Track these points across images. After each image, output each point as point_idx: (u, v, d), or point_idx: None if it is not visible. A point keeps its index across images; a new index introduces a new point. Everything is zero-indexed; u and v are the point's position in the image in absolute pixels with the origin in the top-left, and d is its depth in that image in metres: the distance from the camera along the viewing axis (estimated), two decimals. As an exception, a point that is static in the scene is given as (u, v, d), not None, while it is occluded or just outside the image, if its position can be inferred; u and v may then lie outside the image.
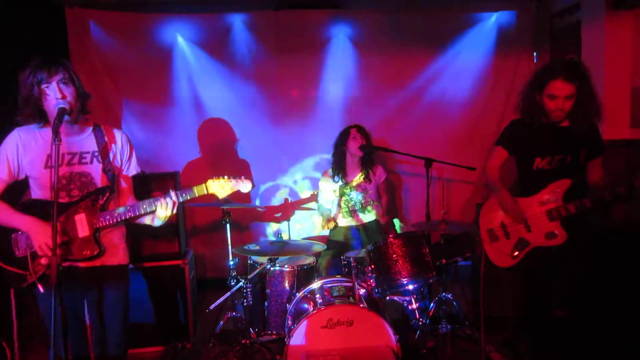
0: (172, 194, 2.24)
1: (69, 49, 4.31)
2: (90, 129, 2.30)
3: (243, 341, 3.16)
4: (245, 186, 2.35)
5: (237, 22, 4.51)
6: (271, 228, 4.78)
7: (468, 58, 4.67)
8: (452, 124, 4.78)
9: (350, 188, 3.89)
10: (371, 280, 3.03)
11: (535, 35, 4.68)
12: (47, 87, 2.10)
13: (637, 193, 2.47)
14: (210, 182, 2.30)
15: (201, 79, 4.57)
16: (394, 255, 2.98)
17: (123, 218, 2.24)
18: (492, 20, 4.66)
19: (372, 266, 3.04)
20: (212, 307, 3.11)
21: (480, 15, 4.65)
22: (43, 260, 2.15)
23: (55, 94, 2.09)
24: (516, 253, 2.77)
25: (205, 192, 2.30)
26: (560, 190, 2.67)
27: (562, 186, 2.67)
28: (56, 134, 1.95)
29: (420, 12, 4.63)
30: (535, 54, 4.72)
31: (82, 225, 2.19)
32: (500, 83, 4.72)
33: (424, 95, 4.74)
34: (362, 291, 2.98)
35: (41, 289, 2.14)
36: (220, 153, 4.61)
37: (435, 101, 4.75)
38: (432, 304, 3.41)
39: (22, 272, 2.18)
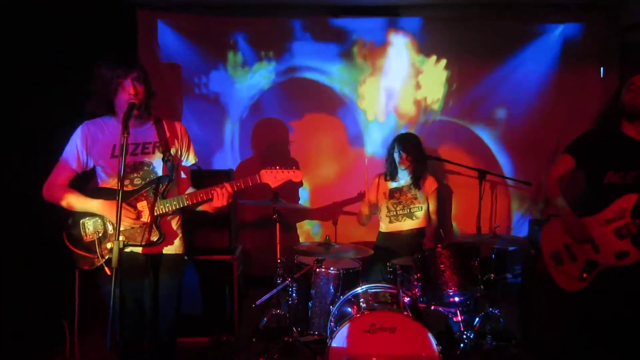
0: (227, 184, 2.34)
1: (137, 47, 4.55)
2: (152, 121, 2.44)
3: (285, 339, 3.21)
4: (296, 176, 2.43)
5: (297, 26, 4.61)
6: (320, 229, 4.82)
7: (531, 70, 4.56)
8: (510, 136, 4.67)
9: (400, 192, 3.88)
10: (416, 289, 3.01)
11: (603, 50, 4.50)
12: (123, 82, 2.24)
13: None
14: (263, 172, 2.40)
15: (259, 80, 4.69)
16: (442, 266, 2.95)
17: (181, 206, 2.35)
18: (558, 32, 4.52)
19: (419, 275, 3.01)
20: (258, 302, 3.16)
21: (546, 26, 4.54)
22: (109, 245, 2.30)
23: (129, 91, 2.24)
24: (585, 275, 2.62)
25: (259, 181, 2.38)
26: (627, 206, 2.54)
27: (629, 202, 2.54)
28: (125, 127, 2.08)
29: (483, 21, 4.56)
30: (602, 69, 4.54)
31: (143, 212, 2.32)
32: (563, 97, 4.57)
33: (483, 105, 4.66)
34: (406, 299, 2.97)
35: (107, 272, 2.26)
36: (273, 152, 4.72)
37: (493, 112, 4.65)
38: (477, 319, 3.33)
39: (90, 255, 2.33)
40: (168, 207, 2.33)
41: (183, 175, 2.53)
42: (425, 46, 4.62)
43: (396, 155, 3.83)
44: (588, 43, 4.51)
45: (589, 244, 2.63)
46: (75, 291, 2.85)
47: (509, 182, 4.17)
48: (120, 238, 2.04)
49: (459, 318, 3.02)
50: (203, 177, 3.65)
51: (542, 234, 2.86)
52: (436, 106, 4.69)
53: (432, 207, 3.93)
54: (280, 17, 4.64)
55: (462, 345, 3.07)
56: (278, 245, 3.49)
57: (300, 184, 4.29)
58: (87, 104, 2.32)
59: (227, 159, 4.75)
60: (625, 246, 2.54)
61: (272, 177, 2.40)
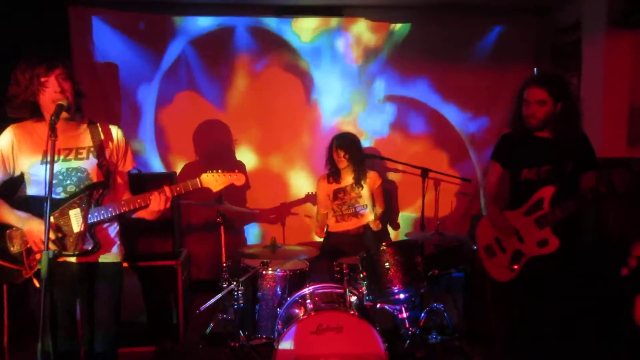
0: (166, 189, 2.25)
1: (71, 45, 4.33)
2: (86, 124, 2.32)
3: (232, 344, 3.17)
4: (238, 180, 2.36)
5: (240, 26, 4.54)
6: (265, 231, 4.78)
7: (469, 71, 4.69)
8: (451, 135, 4.80)
9: (344, 192, 3.92)
10: (363, 288, 3.04)
11: (537, 52, 4.70)
12: (45, 81, 2.11)
13: (618, 190, 2.49)
14: (204, 176, 2.31)
15: (201, 80, 4.59)
16: (387, 264, 2.99)
17: (117, 212, 2.24)
18: (494, 34, 4.68)
19: (364, 273, 3.04)
20: (202, 308, 3.10)
21: (482, 28, 4.68)
22: (38, 256, 2.16)
23: (54, 88, 2.11)
24: (515, 266, 2.78)
25: (199, 186, 2.30)
26: (545, 197, 2.70)
27: (547, 193, 2.70)
28: (53, 129, 1.97)
29: (424, 24, 4.66)
30: (535, 69, 4.75)
31: (77, 220, 2.20)
32: (500, 97, 4.72)
33: (424, 106, 4.76)
34: (353, 298, 2.99)
35: (36, 284, 2.16)
36: (217, 154, 4.63)
37: (434, 112, 4.77)
38: (422, 314, 3.41)
39: (17, 267, 2.19)
40: (103, 214, 2.22)
41: (119, 180, 2.41)
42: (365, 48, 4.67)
43: (334, 155, 3.86)
44: (523, 45, 4.69)
45: (514, 236, 2.79)
46: (4, 306, 2.67)
47: (451, 179, 4.29)
48: (52, 247, 1.93)
49: (404, 315, 3.08)
50: (144, 180, 3.56)
51: (477, 230, 3.04)
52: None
53: (378, 202, 3.99)
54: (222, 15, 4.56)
55: (408, 341, 3.13)
56: (223, 248, 3.43)
57: (246, 186, 4.22)
58: (8, 109, 2.18)
59: (170, 161, 4.61)
60: (546, 234, 2.70)
61: (214, 181, 2.32)
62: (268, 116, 4.68)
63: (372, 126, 4.77)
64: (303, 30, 4.62)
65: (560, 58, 4.61)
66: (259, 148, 4.73)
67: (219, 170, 2.34)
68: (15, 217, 2.16)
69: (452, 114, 4.79)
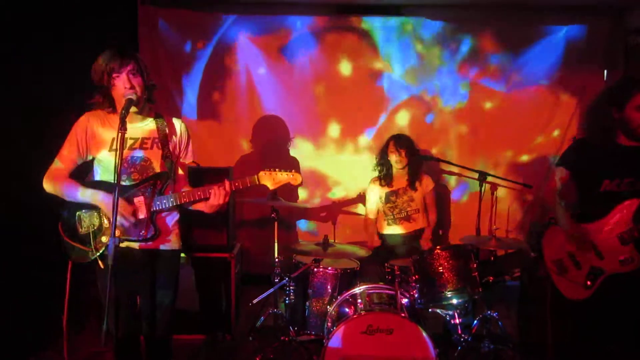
0: (226, 183, 2.31)
1: (139, 42, 4.52)
2: (152, 117, 2.42)
3: (282, 338, 3.20)
4: (294, 179, 2.40)
5: (299, 24, 4.59)
6: (316, 228, 4.80)
7: (534, 72, 4.55)
8: (512, 138, 4.65)
9: (396, 195, 3.87)
10: (414, 291, 2.99)
11: (607, 53, 4.48)
12: (117, 76, 2.22)
13: None
14: (262, 174, 2.36)
15: (261, 78, 4.68)
16: (440, 268, 2.93)
17: (178, 203, 2.33)
18: (562, 34, 4.50)
19: (417, 276, 2.99)
20: (255, 301, 3.15)
21: (549, 28, 4.51)
22: (104, 238, 2.28)
23: (124, 84, 2.21)
24: (589, 283, 2.60)
25: (257, 183, 2.35)
26: (630, 211, 2.53)
27: (630, 207, 2.53)
28: (123, 122, 2.06)
29: (490, 22, 4.55)
30: (605, 72, 4.52)
31: (140, 208, 2.30)
32: (566, 99, 4.55)
33: (485, 106, 4.64)
34: (404, 300, 2.95)
35: (101, 265, 2.27)
36: (273, 149, 4.70)
37: (497, 113, 4.64)
38: (475, 321, 3.31)
39: (85, 248, 2.31)
40: (165, 203, 2.32)
41: (180, 172, 2.50)
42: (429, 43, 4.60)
43: (392, 156, 3.81)
44: (592, 46, 4.49)
45: (592, 252, 2.62)
46: (67, 285, 2.82)
47: (510, 184, 4.15)
48: (116, 233, 2.03)
49: (457, 320, 3.00)
50: (202, 174, 3.67)
51: (544, 241, 2.83)
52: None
53: (430, 208, 3.92)
54: (280, 14, 4.62)
55: (459, 347, 3.05)
56: (276, 243, 3.48)
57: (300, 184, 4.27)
58: (91, 102, 2.31)
59: (228, 155, 4.69)
60: (629, 252, 2.53)
61: (271, 179, 2.37)
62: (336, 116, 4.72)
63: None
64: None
65: (633, 60, 4.37)
66: (315, 144, 4.77)
67: (276, 169, 2.38)
68: (92, 195, 2.26)
69: (514, 115, 4.64)
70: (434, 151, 4.65)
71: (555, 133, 4.59)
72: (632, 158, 2.56)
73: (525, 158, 4.65)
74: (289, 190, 4.59)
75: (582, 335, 2.76)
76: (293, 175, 2.40)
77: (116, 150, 2.04)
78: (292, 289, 3.26)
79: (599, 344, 2.67)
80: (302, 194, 4.80)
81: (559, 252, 2.73)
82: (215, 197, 2.31)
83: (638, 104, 2.47)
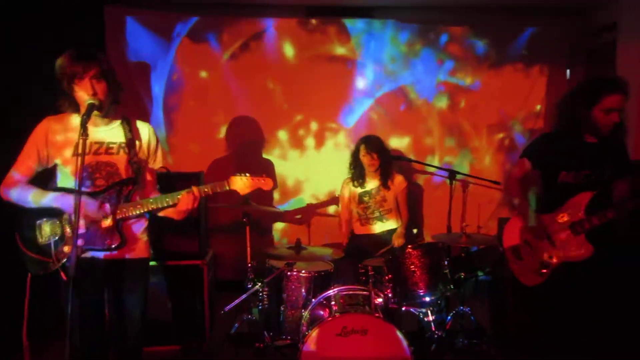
0: (194, 189, 2.27)
1: (105, 43, 4.44)
2: (119, 121, 2.35)
3: (257, 344, 3.17)
4: (266, 184, 2.37)
5: (269, 26, 4.59)
6: (291, 232, 4.78)
7: (502, 72, 4.66)
8: (481, 135, 4.74)
9: (368, 196, 3.89)
10: (388, 290, 3.00)
11: (570, 53, 4.63)
12: (80, 82, 2.15)
13: None
14: (232, 179, 2.33)
15: (231, 79, 4.64)
16: (412, 266, 2.95)
17: (145, 210, 2.27)
18: (526, 35, 4.62)
19: (390, 276, 3.01)
20: (227, 308, 3.12)
21: (514, 29, 4.63)
22: (66, 248, 2.19)
23: (87, 90, 2.15)
24: (543, 270, 2.69)
25: (227, 188, 2.32)
26: (582, 203, 2.62)
27: (584, 199, 2.62)
28: (84, 128, 1.99)
29: (458, 24, 4.63)
30: (568, 71, 4.66)
31: (105, 215, 2.22)
32: (532, 98, 4.68)
33: (455, 105, 4.72)
34: (378, 300, 2.96)
35: (63, 277, 2.18)
36: (246, 152, 4.66)
37: (466, 113, 4.73)
38: (449, 317, 3.35)
39: (45, 259, 2.21)
40: (132, 210, 2.26)
41: (148, 178, 2.44)
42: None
43: (364, 159, 3.83)
44: (555, 47, 4.63)
45: (546, 241, 2.70)
46: (26, 298, 2.71)
47: (479, 181, 4.22)
48: (80, 242, 1.96)
49: (431, 318, 3.03)
50: (172, 180, 3.60)
51: (504, 231, 2.94)
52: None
53: (402, 206, 3.95)
54: (254, 17, 4.61)
55: (434, 344, 3.07)
56: (249, 249, 3.44)
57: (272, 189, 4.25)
58: (57, 104, 2.24)
59: (199, 159, 4.61)
60: (580, 241, 2.61)
61: (242, 185, 2.34)
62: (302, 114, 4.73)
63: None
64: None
65: (594, 60, 4.51)
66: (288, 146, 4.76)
67: (247, 174, 2.35)
68: (53, 198, 2.19)
69: (483, 114, 4.76)
70: (408, 142, 4.70)
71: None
72: (590, 152, 2.65)
73: (494, 155, 4.74)
74: (263, 194, 4.55)
75: (540, 320, 2.84)
76: (264, 180, 2.38)
77: (77, 156, 1.98)
78: (266, 294, 3.23)
79: (557, 329, 2.73)
80: (276, 196, 4.77)
81: (516, 240, 2.84)
82: (184, 202, 2.26)
83: (605, 107, 2.55)
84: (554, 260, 2.67)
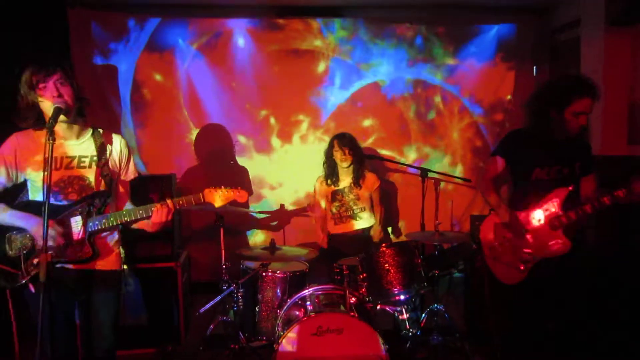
0: (169, 202, 2.25)
1: (71, 48, 4.33)
2: (89, 133, 2.32)
3: (232, 346, 3.16)
4: (241, 196, 2.36)
5: (238, 27, 4.54)
6: (267, 234, 4.77)
7: (471, 70, 4.73)
8: (452, 134, 4.81)
9: (342, 194, 3.91)
10: (363, 289, 3.03)
11: (535, 50, 4.71)
12: (44, 86, 2.11)
13: (635, 197, 2.44)
14: (207, 191, 2.31)
15: (201, 83, 4.59)
16: (386, 265, 2.98)
17: (118, 222, 2.25)
18: (493, 33, 4.70)
19: (364, 275, 3.03)
20: (202, 310, 3.11)
21: (481, 27, 4.69)
22: (35, 261, 2.15)
23: (52, 93, 2.11)
24: (522, 267, 2.72)
25: (202, 201, 2.30)
26: (559, 198, 2.67)
27: (560, 195, 2.67)
28: (51, 132, 1.96)
29: (426, 22, 4.67)
30: (535, 67, 4.76)
31: (77, 228, 2.20)
32: (500, 95, 4.77)
33: (429, 103, 4.77)
34: (353, 299, 2.98)
35: (32, 290, 2.15)
36: (219, 158, 4.62)
37: (438, 108, 4.79)
38: (423, 315, 3.40)
39: (15, 271, 2.18)
40: (105, 223, 2.23)
41: (121, 190, 2.42)
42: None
43: (337, 154, 3.84)
44: (521, 43, 4.71)
45: (524, 237, 2.74)
46: (10, 311, 2.68)
47: (451, 179, 4.29)
48: (50, 254, 1.93)
49: (405, 316, 3.06)
50: (145, 182, 3.57)
51: (481, 228, 2.96)
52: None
53: (376, 205, 3.98)
54: (220, 18, 4.55)
55: (409, 342, 3.12)
56: (222, 250, 3.42)
57: (249, 195, 4.24)
58: (18, 119, 2.19)
59: (172, 164, 4.57)
60: (558, 237, 2.66)
61: (217, 197, 2.32)
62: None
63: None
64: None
65: (559, 56, 4.62)
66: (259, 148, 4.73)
67: (222, 186, 2.33)
68: (20, 217, 2.17)
69: (454, 111, 4.82)
70: (381, 138, 4.74)
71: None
72: (561, 148, 2.71)
73: (465, 153, 4.82)
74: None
75: (519, 318, 2.88)
76: (239, 192, 2.36)
77: (45, 161, 1.94)
78: (241, 295, 3.22)
79: (535, 327, 2.80)
80: (251, 198, 4.75)
81: (494, 238, 2.86)
82: (157, 215, 2.24)
83: (575, 110, 2.60)
84: (533, 256, 2.70)
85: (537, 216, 2.72)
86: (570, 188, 2.65)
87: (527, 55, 4.72)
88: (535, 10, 4.67)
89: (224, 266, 3.35)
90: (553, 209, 2.68)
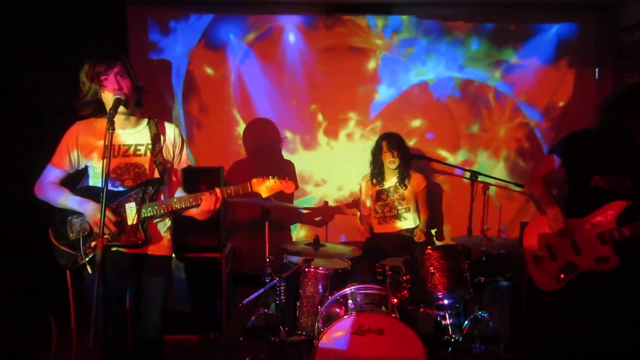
0: (217, 190, 2.30)
1: (128, 44, 4.50)
2: (145, 122, 2.41)
3: (272, 339, 3.19)
4: (288, 187, 2.39)
5: (289, 24, 4.57)
6: (310, 229, 4.79)
7: (527, 71, 4.56)
8: (503, 137, 4.66)
9: (387, 194, 3.87)
10: (405, 291, 2.99)
11: (598, 51, 4.49)
12: (105, 79, 2.21)
13: None
14: (254, 181, 2.35)
15: (251, 78, 4.65)
16: (431, 268, 2.92)
17: (170, 209, 2.33)
18: (552, 32, 4.51)
19: (408, 276, 2.99)
20: (245, 301, 3.15)
21: (541, 26, 4.52)
22: (92, 244, 2.27)
23: (112, 85, 2.21)
24: (562, 276, 2.62)
25: (249, 191, 2.35)
26: (615, 212, 2.53)
27: (617, 208, 2.53)
28: (111, 122, 2.06)
29: (481, 21, 4.54)
30: (597, 70, 4.53)
31: (131, 213, 2.30)
32: (557, 98, 4.57)
33: (480, 104, 4.65)
34: (395, 301, 2.95)
35: (89, 270, 2.27)
36: (266, 152, 4.66)
37: (490, 109, 4.65)
38: (466, 322, 3.32)
39: (74, 252, 2.31)
40: (157, 209, 2.31)
41: (174, 178, 2.50)
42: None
43: (385, 156, 3.81)
44: (583, 43, 4.50)
45: (570, 246, 2.63)
46: (69, 288, 2.83)
47: (502, 183, 4.16)
48: (106, 237, 2.02)
49: (448, 321, 3.01)
50: (194, 174, 3.66)
51: (526, 231, 2.87)
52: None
53: (421, 206, 3.92)
54: (271, 14, 4.59)
55: (449, 348, 3.05)
56: (267, 243, 3.47)
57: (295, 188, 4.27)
58: (81, 109, 2.30)
59: (221, 156, 4.63)
60: (607, 252, 2.53)
61: (264, 187, 2.36)
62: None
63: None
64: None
65: (625, 59, 4.37)
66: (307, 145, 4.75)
67: (270, 176, 2.36)
68: (78, 202, 2.28)
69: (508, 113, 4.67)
70: (430, 139, 4.66)
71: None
72: (626, 159, 2.55)
73: (516, 158, 4.66)
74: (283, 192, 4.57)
75: (555, 328, 2.77)
76: (286, 182, 2.39)
77: (104, 150, 2.03)
78: (283, 289, 3.25)
79: (571, 337, 2.67)
80: (295, 194, 4.78)
81: (538, 242, 2.77)
82: (206, 203, 2.31)
83: None
84: (577, 267, 2.60)
85: (588, 226, 2.59)
86: (629, 202, 2.50)
87: (589, 56, 4.50)
88: (600, 7, 4.42)
89: (267, 259, 3.40)
90: (607, 222, 2.54)
